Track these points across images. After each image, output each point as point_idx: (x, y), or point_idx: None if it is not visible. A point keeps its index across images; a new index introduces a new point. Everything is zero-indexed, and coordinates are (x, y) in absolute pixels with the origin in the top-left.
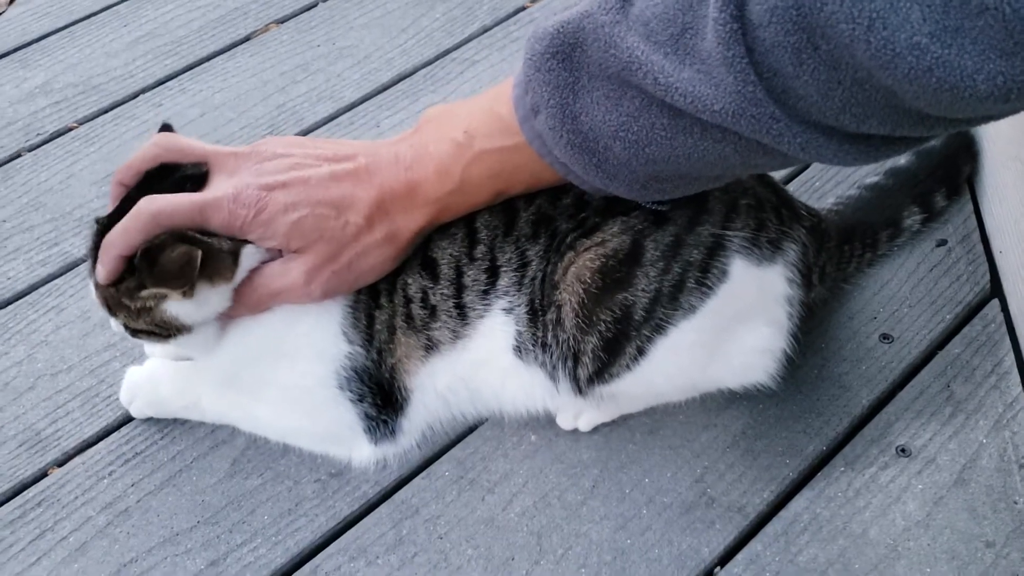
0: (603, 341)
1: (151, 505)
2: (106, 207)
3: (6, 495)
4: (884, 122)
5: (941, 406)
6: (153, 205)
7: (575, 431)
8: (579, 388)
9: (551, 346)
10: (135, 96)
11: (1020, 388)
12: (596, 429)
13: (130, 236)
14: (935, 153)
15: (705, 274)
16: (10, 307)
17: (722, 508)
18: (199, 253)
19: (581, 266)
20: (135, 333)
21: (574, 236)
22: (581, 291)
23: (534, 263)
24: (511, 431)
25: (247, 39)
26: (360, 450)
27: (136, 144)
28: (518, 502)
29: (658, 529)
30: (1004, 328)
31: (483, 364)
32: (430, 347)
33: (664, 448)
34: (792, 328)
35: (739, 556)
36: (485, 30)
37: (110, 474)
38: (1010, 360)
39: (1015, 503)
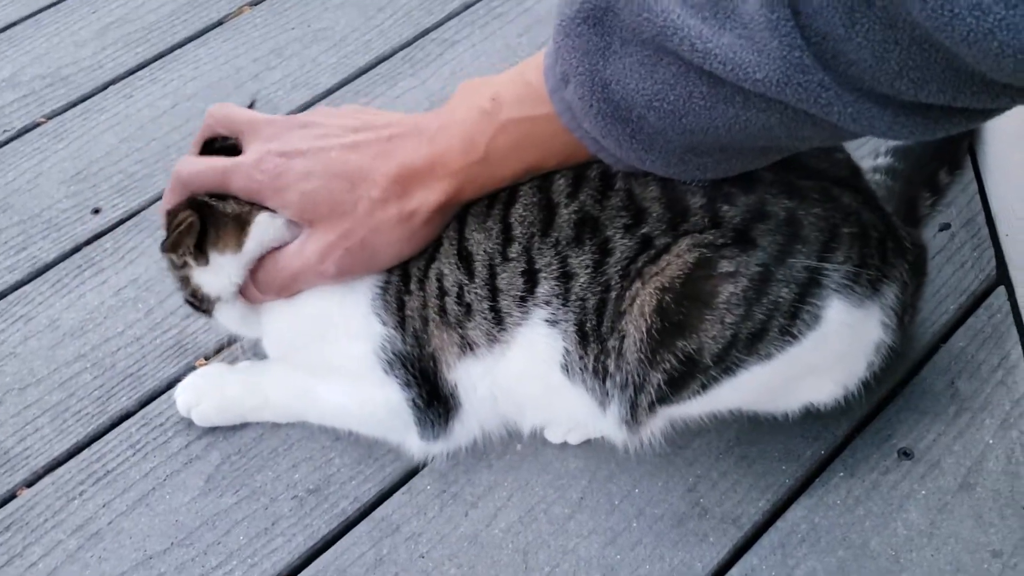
0: (668, 378)
1: (123, 527)
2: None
3: None
4: (944, 88)
5: (945, 405)
6: (180, 168)
7: None
8: (634, 416)
9: (613, 375)
10: (105, 88)
11: None
12: None
13: (167, 198)
14: None
15: (793, 320)
16: None
17: (716, 519)
18: (193, 218)
19: (644, 299)
20: (190, 305)
21: (645, 260)
22: (644, 328)
23: (581, 277)
24: (496, 440)
25: (220, 23)
26: (411, 442)
27: (105, 138)
28: (503, 517)
29: (648, 543)
30: (1011, 318)
31: (526, 377)
32: (465, 347)
33: (654, 456)
34: (864, 379)
35: (734, 570)
36: (467, 7)
37: (80, 494)
38: (1017, 353)
39: (1023, 508)
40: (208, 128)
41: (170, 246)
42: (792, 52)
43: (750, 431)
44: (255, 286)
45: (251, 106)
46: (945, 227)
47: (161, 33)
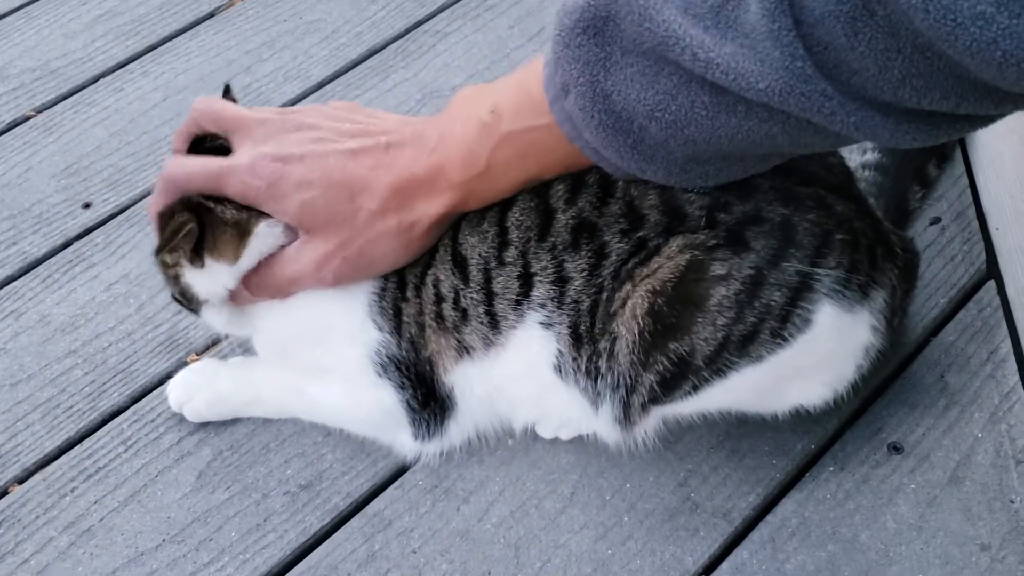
0: (661, 379)
1: (115, 523)
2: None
3: None
4: (948, 95)
5: (935, 399)
6: (171, 169)
7: None
8: (627, 416)
9: (604, 375)
10: (95, 80)
11: (1017, 377)
12: None
13: (157, 199)
14: None
15: (784, 323)
16: None
17: (706, 514)
18: (192, 225)
19: (636, 302)
20: (177, 302)
21: (635, 262)
22: (636, 330)
23: (576, 281)
24: (488, 436)
25: (211, 15)
26: (404, 442)
27: (96, 132)
28: (494, 512)
29: (640, 538)
30: (1000, 312)
31: (520, 377)
32: (462, 351)
33: (645, 451)
34: (853, 381)
35: (724, 565)
36: None
37: (72, 491)
38: (1006, 347)
39: (1011, 502)
40: (193, 123)
41: (167, 251)
42: (794, 62)
43: (741, 426)
44: (247, 288)
45: (226, 93)
46: (936, 221)
47: (152, 25)
